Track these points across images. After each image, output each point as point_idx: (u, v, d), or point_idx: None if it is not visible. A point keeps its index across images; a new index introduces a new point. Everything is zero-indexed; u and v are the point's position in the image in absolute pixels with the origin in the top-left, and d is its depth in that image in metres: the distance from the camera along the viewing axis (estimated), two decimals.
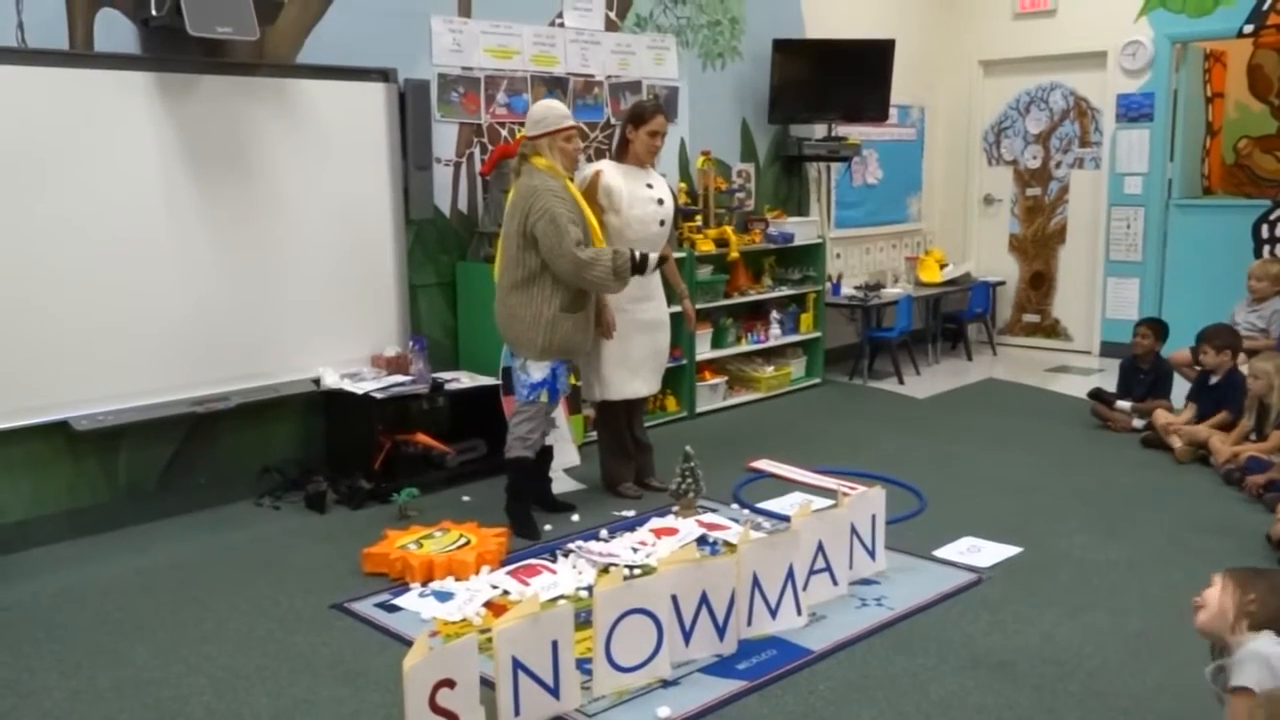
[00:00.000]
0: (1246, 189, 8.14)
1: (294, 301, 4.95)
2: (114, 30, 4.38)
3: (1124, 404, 5.96)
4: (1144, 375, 6.01)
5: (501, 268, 4.40)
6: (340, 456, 4.99)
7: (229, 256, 4.73)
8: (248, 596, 3.80)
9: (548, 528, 4.43)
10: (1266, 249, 7.30)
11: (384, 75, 5.15)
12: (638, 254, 4.26)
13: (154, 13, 4.31)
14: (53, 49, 4.21)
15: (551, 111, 4.35)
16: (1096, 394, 6.15)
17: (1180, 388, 5.94)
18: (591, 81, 6.10)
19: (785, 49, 6.98)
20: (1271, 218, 7.35)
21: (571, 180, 4.42)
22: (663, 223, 4.73)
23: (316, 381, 4.97)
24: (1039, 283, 8.49)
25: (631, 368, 4.75)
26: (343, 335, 5.12)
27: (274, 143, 4.82)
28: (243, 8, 4.32)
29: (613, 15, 6.20)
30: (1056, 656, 3.27)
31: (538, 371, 4.35)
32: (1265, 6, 7.11)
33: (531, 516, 4.44)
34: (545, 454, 4.68)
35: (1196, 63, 7.89)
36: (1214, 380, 5.55)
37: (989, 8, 8.36)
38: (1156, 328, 6.10)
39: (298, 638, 3.47)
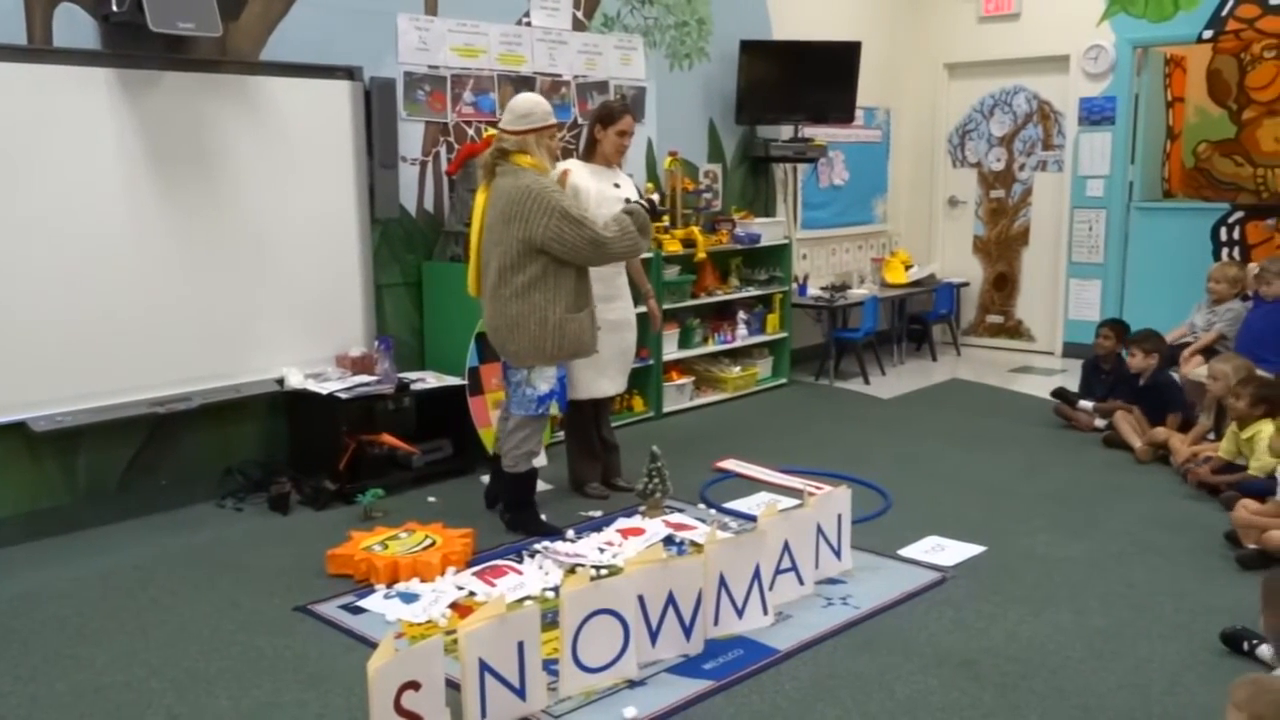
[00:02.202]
0: (1206, 192, 8.27)
1: (257, 301, 4.90)
2: (74, 25, 4.31)
3: (1086, 404, 6.02)
4: (1105, 376, 6.08)
5: (492, 276, 4.22)
6: (304, 457, 4.95)
7: (191, 255, 4.68)
8: (210, 599, 3.76)
9: (571, 533, 4.36)
10: (1225, 251, 7.41)
11: (349, 73, 5.11)
12: (644, 201, 4.26)
13: (114, 8, 4.25)
14: (10, 44, 4.14)
15: (539, 107, 4.25)
16: (1059, 394, 6.21)
17: None
18: (559, 81, 6.09)
19: (752, 50, 7.00)
20: (1230, 221, 7.47)
21: None
22: None
23: (280, 382, 4.92)
24: (1002, 284, 8.57)
25: (599, 367, 4.74)
26: (307, 335, 5.07)
27: (237, 140, 4.77)
28: (205, 3, 4.28)
29: (580, 15, 6.19)
30: (1020, 654, 3.30)
31: (544, 383, 4.27)
32: (1224, 12, 7.22)
33: (540, 517, 4.42)
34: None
35: (1157, 67, 7.99)
36: (1143, 383, 5.71)
37: (954, 11, 8.43)
38: (1118, 329, 6.17)
39: (261, 640, 3.44)
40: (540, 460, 4.97)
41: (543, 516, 4.46)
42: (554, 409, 4.33)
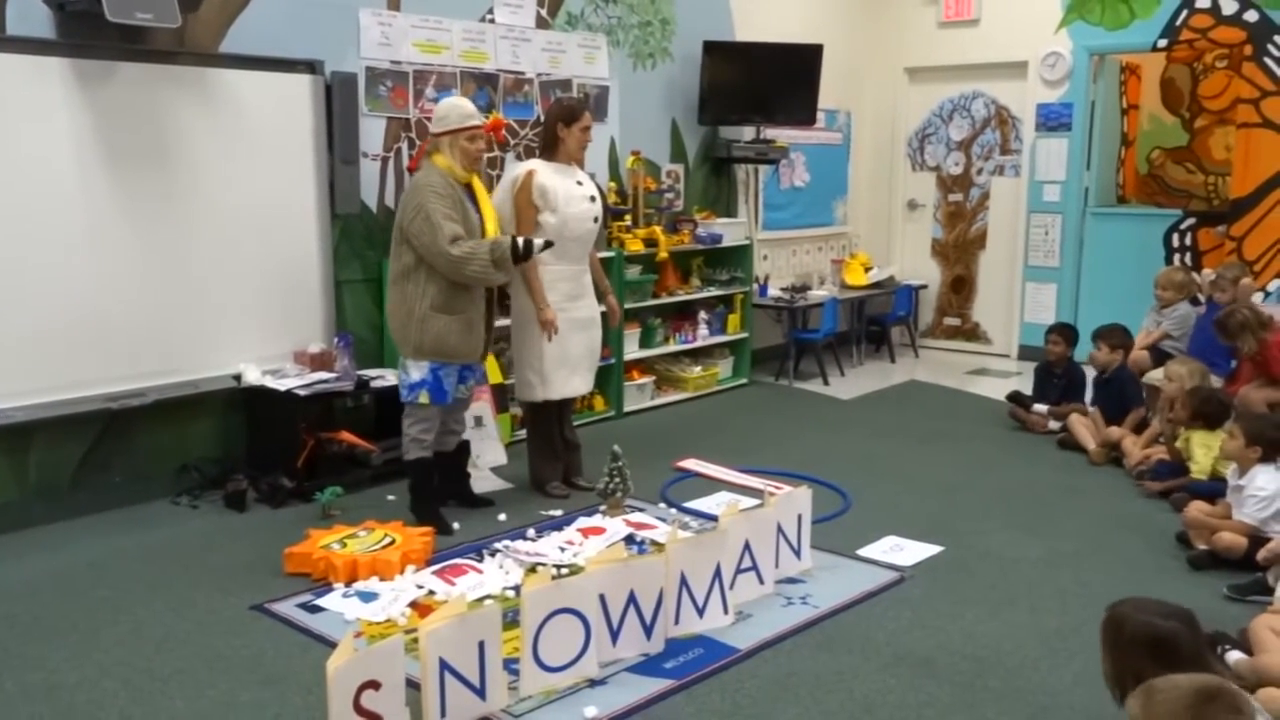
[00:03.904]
0: (1159, 199, 8.41)
1: (215, 296, 4.84)
2: (28, 14, 4.24)
3: (1041, 407, 6.10)
4: (1057, 380, 6.16)
5: (389, 261, 4.39)
6: (262, 454, 4.89)
7: (147, 249, 4.61)
8: (165, 597, 3.71)
9: (456, 525, 4.40)
10: (1177, 257, 7.54)
11: (310, 67, 5.06)
12: (520, 240, 4.21)
13: None
14: None
15: (455, 109, 4.30)
16: (1015, 397, 6.29)
17: None
18: (522, 79, 6.06)
19: (715, 51, 7.02)
20: (1182, 227, 7.60)
21: (477, 178, 4.38)
22: (596, 219, 4.73)
23: (237, 378, 4.86)
24: (960, 287, 8.66)
25: (571, 366, 4.75)
26: (265, 331, 5.02)
27: (196, 134, 4.70)
28: None
29: (544, 13, 6.17)
30: (976, 653, 3.34)
31: (416, 371, 4.30)
32: (1179, 22, 7.34)
33: (440, 513, 4.41)
34: (462, 449, 4.67)
35: (1113, 75, 8.11)
36: (1105, 376, 5.79)
37: (914, 15, 8.50)
38: (1067, 333, 6.27)
39: (217, 639, 3.39)
40: (500, 459, 4.98)
41: (505, 518, 4.44)
42: (424, 398, 4.29)
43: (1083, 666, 3.25)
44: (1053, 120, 7.96)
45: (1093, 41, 7.74)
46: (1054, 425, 5.97)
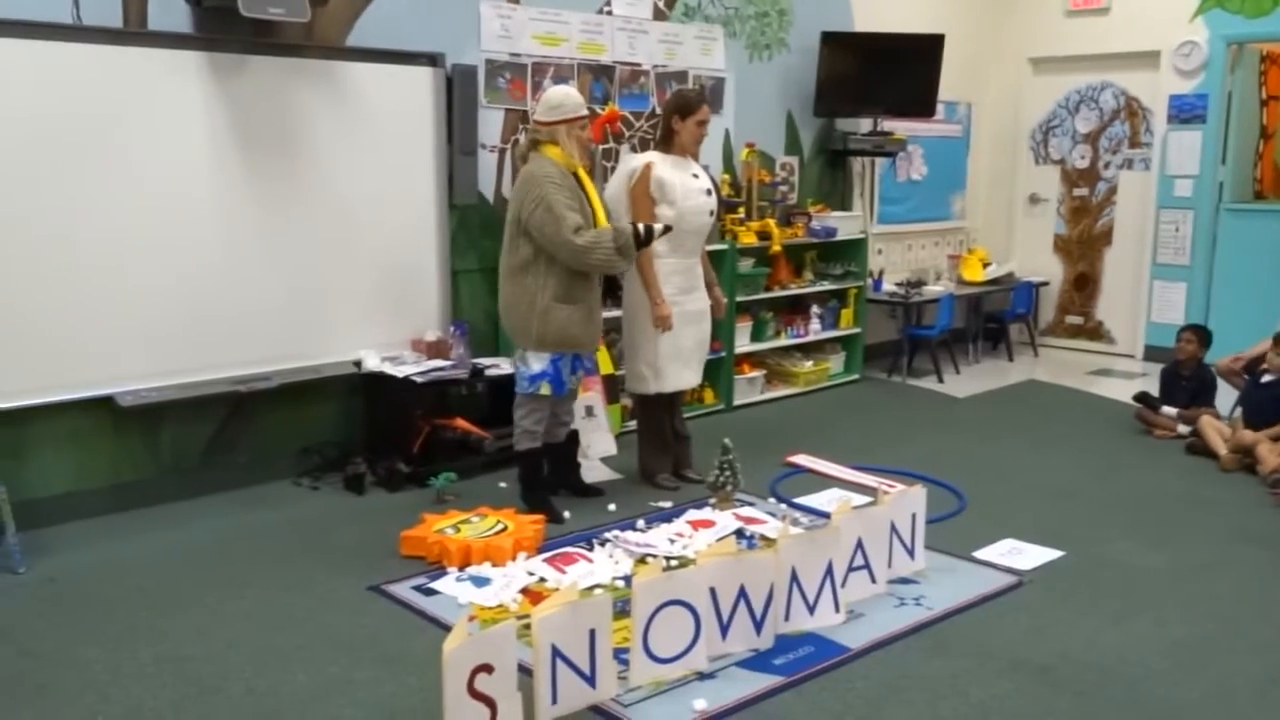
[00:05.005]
0: None
1: (337, 283, 4.97)
2: (168, 9, 4.40)
3: (1170, 410, 5.87)
4: (1186, 382, 5.92)
5: (501, 255, 4.39)
6: (379, 439, 5.00)
7: (274, 237, 4.75)
8: (286, 575, 3.83)
9: (567, 515, 4.43)
10: None
11: (432, 60, 5.15)
12: (641, 226, 4.20)
13: None
14: (106, 26, 4.24)
15: (570, 98, 4.30)
16: (1142, 398, 6.06)
17: (1225, 395, 5.85)
18: (638, 70, 6.07)
19: (833, 42, 6.93)
20: None
21: (586, 170, 4.39)
22: (711, 212, 4.72)
23: (357, 364, 4.99)
24: (1083, 284, 8.38)
25: (683, 359, 4.75)
26: (384, 318, 5.14)
27: (321, 125, 4.83)
28: None
29: (661, 4, 6.17)
30: (1098, 663, 3.23)
31: (537, 363, 4.32)
32: None
33: (551, 502, 4.45)
34: (572, 439, 4.71)
35: (1252, 64, 7.74)
36: (1267, 379, 5.43)
37: (1040, 4, 8.25)
38: (1200, 334, 6.02)
39: (336, 617, 3.49)
40: (611, 449, 5.00)
41: (615, 508, 4.45)
42: (545, 389, 4.31)
43: (1213, 681, 3.12)
44: (1186, 112, 7.64)
45: (1230, 30, 7.40)
46: (1183, 429, 5.74)
